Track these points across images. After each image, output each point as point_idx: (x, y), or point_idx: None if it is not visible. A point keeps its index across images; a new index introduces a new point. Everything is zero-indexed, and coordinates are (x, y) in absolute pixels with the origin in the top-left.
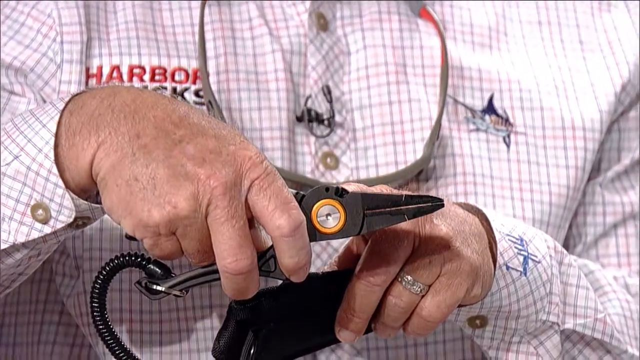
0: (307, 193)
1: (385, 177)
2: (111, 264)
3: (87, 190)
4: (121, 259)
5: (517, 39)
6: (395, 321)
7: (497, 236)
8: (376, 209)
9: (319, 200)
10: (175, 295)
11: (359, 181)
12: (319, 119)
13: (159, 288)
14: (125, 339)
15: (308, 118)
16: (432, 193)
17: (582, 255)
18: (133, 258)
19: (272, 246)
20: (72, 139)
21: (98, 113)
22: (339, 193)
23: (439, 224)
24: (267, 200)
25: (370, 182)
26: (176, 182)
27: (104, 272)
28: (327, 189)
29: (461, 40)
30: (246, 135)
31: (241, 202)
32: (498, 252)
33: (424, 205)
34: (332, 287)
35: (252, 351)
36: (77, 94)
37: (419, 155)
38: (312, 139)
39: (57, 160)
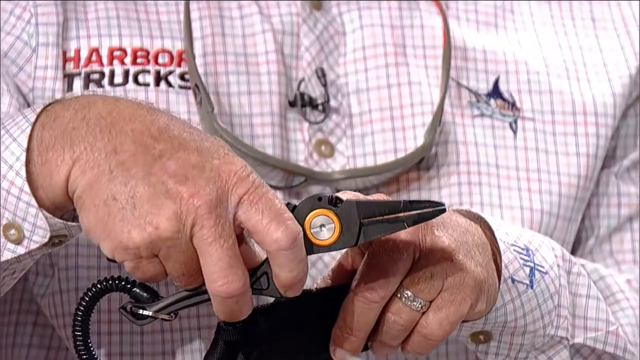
0: (298, 204)
1: (383, 166)
2: (93, 290)
3: (63, 208)
4: (104, 284)
5: (525, 17)
6: (394, 339)
7: (502, 247)
8: (373, 216)
9: (312, 211)
10: (163, 319)
11: (355, 170)
12: (312, 104)
13: (145, 312)
14: None
15: (301, 103)
16: (434, 183)
17: (594, 250)
18: (117, 282)
19: (263, 263)
20: (45, 154)
21: (72, 127)
22: (332, 202)
23: (441, 235)
24: (260, 214)
25: (368, 171)
26: (157, 201)
27: (86, 300)
28: (319, 199)
29: (464, 19)
30: (235, 121)
31: (228, 220)
32: (503, 264)
33: (424, 211)
34: (327, 303)
35: None
36: (49, 104)
37: (420, 142)
38: (306, 125)
39: (30, 178)
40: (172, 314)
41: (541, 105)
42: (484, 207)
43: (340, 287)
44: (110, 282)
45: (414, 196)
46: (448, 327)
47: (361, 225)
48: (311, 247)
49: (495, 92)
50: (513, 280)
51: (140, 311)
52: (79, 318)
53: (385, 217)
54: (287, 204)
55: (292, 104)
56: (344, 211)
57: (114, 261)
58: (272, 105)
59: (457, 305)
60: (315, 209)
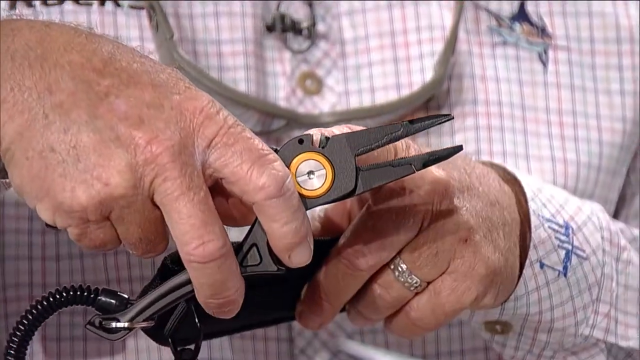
0: (279, 148)
1: (384, 106)
2: (39, 308)
3: None
4: (57, 297)
5: None
6: (375, 313)
7: (535, 222)
8: (369, 149)
9: (295, 156)
10: (142, 329)
11: (348, 111)
12: (295, 28)
13: (119, 325)
14: None
15: (281, 27)
16: (446, 126)
17: None
18: (72, 293)
19: (248, 234)
20: None
21: None
22: (320, 143)
23: (461, 205)
24: (238, 159)
25: (364, 112)
26: (106, 150)
27: (29, 319)
28: (300, 141)
29: None
30: (200, 50)
31: (197, 169)
32: (532, 244)
33: (437, 150)
34: None
35: (184, 321)
36: None
37: (429, 76)
38: (287, 54)
39: None
40: (150, 320)
41: (578, 30)
42: (506, 157)
43: (324, 242)
44: (64, 295)
45: (421, 143)
46: (442, 318)
47: (358, 170)
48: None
49: (521, 14)
50: (542, 265)
51: (113, 324)
52: (14, 345)
53: (388, 162)
54: None
55: (269, 29)
56: (334, 151)
57: (54, 227)
58: (245, 30)
59: (458, 294)
60: (299, 153)
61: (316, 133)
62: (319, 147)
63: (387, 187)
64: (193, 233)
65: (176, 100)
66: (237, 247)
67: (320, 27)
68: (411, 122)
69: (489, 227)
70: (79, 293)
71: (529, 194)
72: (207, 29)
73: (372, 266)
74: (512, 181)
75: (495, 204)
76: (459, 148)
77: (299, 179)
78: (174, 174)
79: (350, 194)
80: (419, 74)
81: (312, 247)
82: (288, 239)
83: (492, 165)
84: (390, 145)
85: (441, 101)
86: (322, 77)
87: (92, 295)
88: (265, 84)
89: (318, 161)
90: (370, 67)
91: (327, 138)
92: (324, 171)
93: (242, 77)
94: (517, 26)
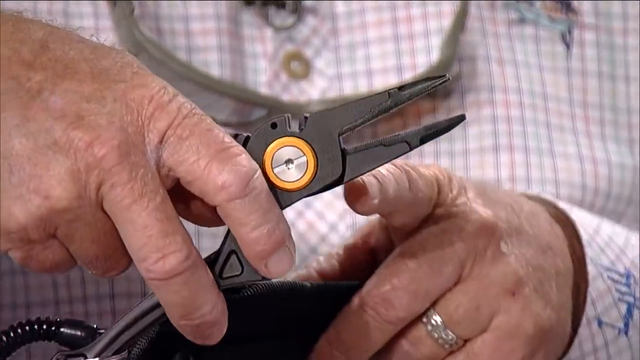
0: (252, 135)
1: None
2: None
3: None
4: (12, 334)
5: None
6: None
7: (592, 272)
8: (356, 127)
9: (269, 143)
10: None
11: (342, 98)
12: (278, 1)
13: None
14: None
15: (262, 1)
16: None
17: None
18: (28, 329)
19: (225, 237)
20: None
21: None
22: (299, 126)
23: (509, 252)
24: (194, 154)
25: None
26: (42, 157)
27: None
28: (273, 125)
29: None
30: (165, 27)
31: (150, 169)
32: (589, 298)
33: (434, 123)
34: (322, 304)
35: None
36: None
37: (435, 56)
38: (268, 32)
39: None
40: (125, 351)
41: (608, 6)
42: (529, 153)
43: (344, 287)
44: (22, 329)
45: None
46: None
47: (344, 153)
48: (279, 196)
49: None
50: (600, 323)
51: (80, 359)
52: None
53: (378, 142)
54: (235, 136)
55: (248, 2)
56: (314, 133)
57: None
58: (218, 4)
59: (501, 356)
60: (273, 139)
61: (289, 115)
62: (298, 130)
63: (425, 227)
64: (150, 246)
65: (121, 90)
66: (214, 256)
67: None
68: (400, 88)
69: (540, 279)
70: (36, 327)
71: (584, 237)
72: (173, 3)
73: (403, 318)
74: (564, 221)
75: (547, 250)
76: (461, 117)
77: (275, 170)
78: (123, 179)
79: (338, 181)
80: (424, 55)
81: (293, 252)
82: (260, 246)
83: (541, 201)
84: (432, 181)
85: (450, 87)
86: (310, 58)
87: (52, 328)
88: (243, 67)
89: (296, 147)
90: (367, 47)
91: (306, 118)
92: (304, 158)
93: (215, 59)
94: (538, 1)
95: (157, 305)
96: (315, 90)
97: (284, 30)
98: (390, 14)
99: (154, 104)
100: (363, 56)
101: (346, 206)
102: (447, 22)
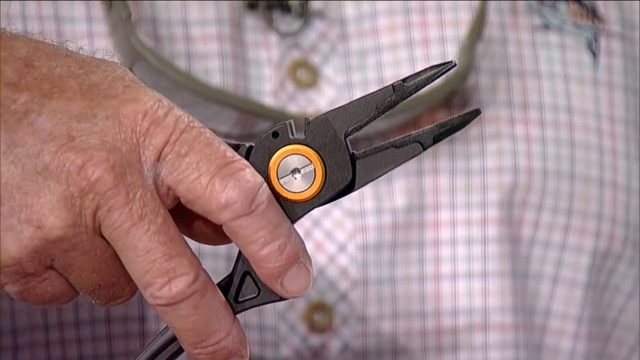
0: (255, 145)
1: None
2: None
3: None
4: None
5: None
6: None
7: None
8: (362, 127)
9: (273, 154)
10: None
11: None
12: (283, 5)
13: None
14: None
15: (267, 3)
16: (474, 131)
17: None
18: None
19: (238, 258)
20: None
21: None
22: (305, 130)
23: None
24: (195, 170)
25: None
26: (32, 185)
27: None
28: (274, 134)
29: None
30: (163, 33)
31: (148, 189)
32: None
33: (450, 119)
34: None
35: None
36: None
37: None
38: (273, 37)
39: None
40: None
41: (631, 15)
42: (547, 176)
43: None
44: None
45: (444, 153)
46: None
47: (354, 157)
48: (288, 208)
49: None
50: None
51: None
52: None
53: (392, 140)
54: (237, 147)
55: (252, 5)
56: (318, 137)
57: None
58: (219, 7)
59: None
60: (278, 149)
61: (291, 121)
62: (302, 136)
63: None
64: (155, 271)
65: (112, 107)
66: (228, 279)
67: (315, 2)
68: (404, 80)
69: None
70: None
71: None
72: (171, 6)
73: None
74: None
75: None
76: (475, 112)
77: (282, 181)
78: (120, 202)
79: (349, 188)
80: (440, 61)
81: (310, 267)
82: (272, 264)
83: None
84: None
85: (467, 98)
86: (318, 65)
87: None
88: (246, 75)
89: (302, 154)
90: (378, 53)
91: (308, 122)
92: (311, 166)
93: (216, 66)
94: (562, 5)
95: (172, 340)
96: (323, 100)
97: (290, 36)
98: (403, 18)
99: (149, 119)
100: (374, 63)
101: (356, 225)
102: (464, 30)
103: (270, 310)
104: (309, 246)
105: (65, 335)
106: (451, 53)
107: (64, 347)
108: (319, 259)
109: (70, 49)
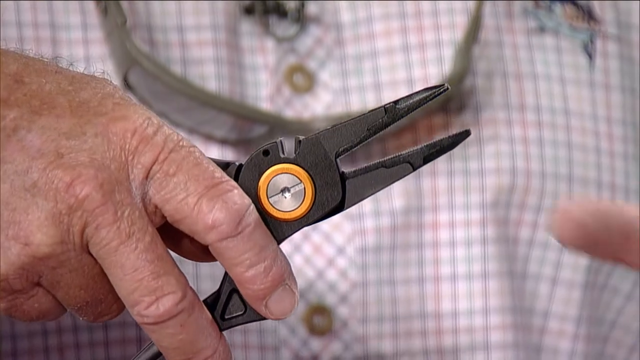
0: (244, 162)
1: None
2: None
3: None
4: None
5: None
6: None
7: None
8: (353, 148)
9: (263, 172)
10: None
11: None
12: (280, 10)
13: None
14: None
15: (262, 8)
16: (472, 135)
17: None
18: None
19: (225, 275)
20: None
21: None
22: (296, 150)
23: None
24: (182, 192)
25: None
26: (20, 202)
27: None
28: (265, 152)
29: None
30: (158, 39)
31: (137, 207)
32: None
33: (437, 141)
34: None
35: None
36: None
37: (447, 69)
38: (270, 42)
39: None
40: None
41: (627, 17)
42: (545, 178)
43: None
44: None
45: (443, 160)
46: None
47: (343, 176)
48: (276, 227)
49: None
50: None
51: None
52: None
53: (381, 159)
54: (227, 165)
55: (248, 10)
56: (309, 156)
57: None
58: (215, 13)
59: None
60: (267, 167)
61: (282, 139)
62: (294, 154)
63: None
64: (142, 289)
65: (102, 124)
66: (215, 296)
67: (311, 7)
68: (395, 102)
69: None
70: None
71: None
72: (167, 12)
73: None
74: None
75: None
76: (465, 133)
77: (271, 200)
78: (108, 219)
79: (338, 208)
80: (437, 66)
81: (295, 289)
82: (257, 285)
83: None
84: None
85: (464, 102)
86: (314, 70)
87: None
88: (242, 81)
89: (292, 173)
90: (374, 58)
91: (299, 142)
92: (301, 185)
93: (212, 72)
94: (558, 7)
95: (158, 355)
96: (319, 105)
97: (286, 41)
98: (399, 23)
99: (138, 137)
100: (371, 68)
101: (355, 228)
102: (460, 33)
103: None
104: (308, 249)
105: (64, 341)
106: (447, 56)
107: (63, 352)
108: (317, 262)
109: (60, 65)
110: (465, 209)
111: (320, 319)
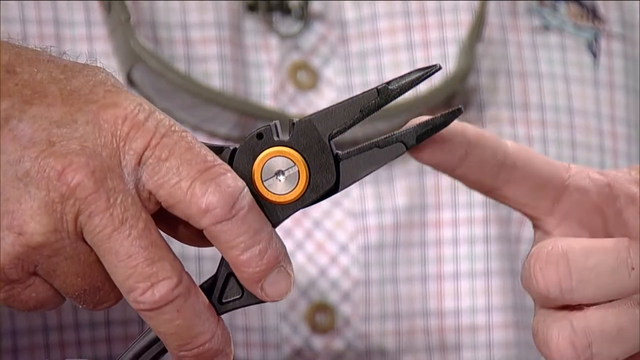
0: (238, 146)
1: (397, 104)
2: None
3: None
4: None
5: None
6: None
7: None
8: (346, 129)
9: (257, 155)
10: None
11: None
12: (283, 7)
13: None
14: None
15: (266, 5)
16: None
17: None
18: None
19: (222, 260)
20: None
21: None
22: (290, 132)
23: None
24: (175, 175)
25: None
26: (13, 191)
27: None
28: (259, 135)
29: None
30: (162, 36)
31: (129, 194)
32: None
33: (429, 119)
34: None
35: None
36: None
37: (451, 66)
38: (273, 40)
39: None
40: None
41: (632, 16)
42: None
43: None
44: None
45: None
46: None
47: (337, 158)
48: (271, 210)
49: None
50: None
51: None
52: None
53: (375, 140)
54: (221, 149)
55: (252, 8)
56: (303, 139)
57: None
58: (219, 10)
59: None
60: (261, 151)
61: (276, 122)
62: (288, 137)
63: None
64: (137, 276)
65: (92, 112)
66: (212, 280)
67: (315, 5)
68: (388, 83)
69: None
70: None
71: None
72: (170, 9)
73: None
74: None
75: None
76: (457, 111)
77: (266, 183)
78: (101, 206)
79: (333, 190)
80: (441, 64)
81: (290, 271)
82: (252, 268)
83: None
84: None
85: (468, 99)
86: (318, 67)
87: None
88: (246, 78)
89: (286, 156)
90: (379, 56)
91: (293, 124)
92: (295, 168)
93: (215, 69)
94: (562, 6)
95: (154, 342)
96: (323, 102)
97: (290, 38)
98: (404, 21)
99: (129, 123)
100: (375, 65)
101: (358, 226)
102: (464, 31)
103: (272, 311)
104: (311, 247)
105: (65, 338)
106: (451, 54)
107: (64, 349)
108: (320, 259)
109: (53, 54)
110: (468, 208)
111: (322, 317)
